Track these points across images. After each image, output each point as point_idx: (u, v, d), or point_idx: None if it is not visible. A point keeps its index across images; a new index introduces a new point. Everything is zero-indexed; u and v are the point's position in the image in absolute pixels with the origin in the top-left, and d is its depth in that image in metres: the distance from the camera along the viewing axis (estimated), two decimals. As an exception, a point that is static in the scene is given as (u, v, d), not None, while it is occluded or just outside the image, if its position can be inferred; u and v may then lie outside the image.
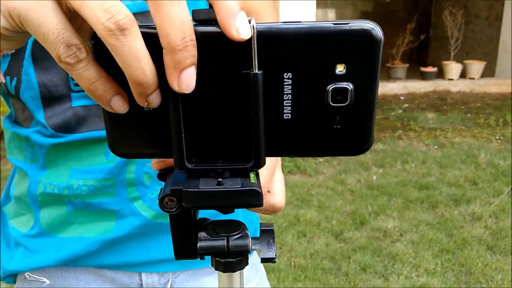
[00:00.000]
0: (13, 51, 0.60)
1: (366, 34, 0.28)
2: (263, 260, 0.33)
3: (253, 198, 0.31)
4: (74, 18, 0.27)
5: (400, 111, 5.62)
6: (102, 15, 0.24)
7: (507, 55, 6.97)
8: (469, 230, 2.72)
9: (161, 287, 0.69)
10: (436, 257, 2.48)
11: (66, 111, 0.60)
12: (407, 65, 6.98)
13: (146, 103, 0.28)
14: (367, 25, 0.28)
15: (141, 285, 0.69)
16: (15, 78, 0.60)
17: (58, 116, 0.61)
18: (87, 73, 0.26)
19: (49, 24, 0.25)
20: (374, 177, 3.56)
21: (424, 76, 6.98)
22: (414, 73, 7.02)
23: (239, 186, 0.31)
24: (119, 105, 0.28)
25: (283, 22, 0.28)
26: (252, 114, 0.29)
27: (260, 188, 0.31)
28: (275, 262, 0.33)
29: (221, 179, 0.31)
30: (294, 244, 2.61)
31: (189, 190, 0.31)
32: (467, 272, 2.35)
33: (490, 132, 4.71)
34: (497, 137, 4.54)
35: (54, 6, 0.26)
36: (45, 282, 0.69)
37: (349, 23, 0.28)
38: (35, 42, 0.56)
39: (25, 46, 0.59)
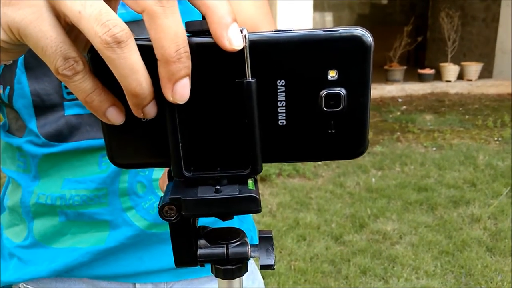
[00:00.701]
0: (11, 62, 0.61)
1: (356, 40, 0.29)
2: (262, 267, 0.34)
3: (251, 205, 0.31)
4: (71, 31, 0.28)
5: (398, 113, 5.63)
6: (99, 28, 0.25)
7: (504, 56, 7.00)
8: (469, 232, 2.72)
9: None
10: (435, 259, 2.48)
11: (58, 120, 0.60)
12: (405, 67, 7.01)
13: (142, 114, 0.28)
14: (357, 31, 0.29)
15: None
16: (8, 87, 0.60)
17: (50, 125, 0.61)
18: (83, 85, 0.27)
19: (47, 38, 0.26)
20: (373, 180, 3.56)
21: (421, 78, 7.00)
22: (412, 75, 7.05)
23: (237, 193, 0.31)
24: (114, 116, 0.29)
25: (275, 31, 0.29)
26: (247, 121, 0.30)
27: (258, 194, 0.32)
28: (274, 269, 0.34)
29: (219, 187, 0.32)
30: (293, 247, 2.61)
31: (187, 198, 0.31)
32: (467, 273, 2.35)
33: (488, 134, 4.72)
34: (495, 138, 4.55)
35: (53, 20, 0.27)
36: None
37: (339, 30, 0.29)
38: (28, 50, 0.56)
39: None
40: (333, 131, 0.31)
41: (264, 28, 0.67)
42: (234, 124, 0.30)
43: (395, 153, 4.13)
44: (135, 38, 0.27)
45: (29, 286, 0.70)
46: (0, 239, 0.74)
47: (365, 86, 0.30)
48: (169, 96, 0.27)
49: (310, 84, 0.30)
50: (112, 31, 0.25)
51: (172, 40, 0.25)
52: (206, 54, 0.28)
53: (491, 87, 6.76)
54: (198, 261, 0.35)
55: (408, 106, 6.05)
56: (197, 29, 0.28)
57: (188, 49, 0.26)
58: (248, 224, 0.77)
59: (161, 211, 0.32)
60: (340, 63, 0.29)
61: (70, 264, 0.66)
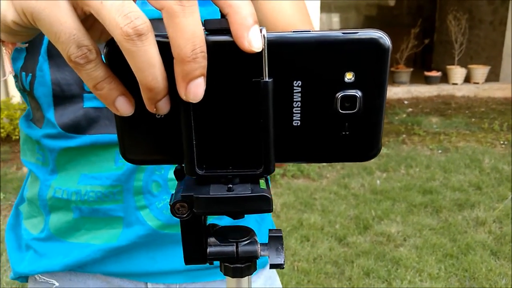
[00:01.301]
0: (26, 45, 0.61)
1: (374, 43, 0.29)
2: (272, 266, 0.34)
3: (263, 204, 0.32)
4: (86, 20, 0.28)
5: (404, 115, 5.61)
6: (121, 19, 0.25)
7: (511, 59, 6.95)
8: (473, 235, 2.71)
9: None
10: (439, 262, 2.47)
11: (77, 111, 0.60)
12: (411, 69, 6.98)
13: (155, 109, 0.28)
14: (376, 33, 0.29)
15: None
16: (30, 74, 0.60)
17: (68, 116, 0.61)
18: (95, 73, 0.27)
19: (61, 24, 0.26)
20: (378, 182, 3.55)
21: (428, 81, 6.97)
22: (418, 78, 7.02)
23: (249, 192, 0.32)
24: (123, 106, 0.28)
25: (293, 31, 0.29)
26: (262, 121, 0.30)
27: (270, 193, 0.32)
28: (283, 268, 0.34)
29: (231, 185, 0.32)
30: (297, 248, 2.61)
31: (200, 196, 0.32)
32: (471, 277, 2.34)
33: (494, 137, 4.70)
34: (501, 142, 4.53)
35: (68, 7, 0.27)
36: (54, 284, 0.70)
37: (358, 32, 0.29)
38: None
39: (41, 42, 0.59)
40: (347, 133, 0.31)
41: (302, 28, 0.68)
42: (249, 123, 0.31)
43: (400, 155, 4.12)
44: (154, 34, 0.27)
45: (44, 277, 0.71)
46: (19, 228, 0.75)
47: (381, 89, 0.30)
48: (182, 95, 0.27)
49: (326, 85, 0.30)
50: (134, 23, 0.25)
51: (189, 39, 0.26)
52: (223, 52, 0.28)
53: (498, 91, 6.72)
54: (207, 259, 0.35)
55: (414, 108, 6.03)
56: (216, 27, 0.28)
57: (205, 49, 0.26)
58: (267, 223, 0.76)
59: (173, 208, 0.32)
60: (357, 65, 0.29)
61: (83, 259, 0.66)
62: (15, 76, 0.64)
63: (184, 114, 0.29)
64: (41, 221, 0.70)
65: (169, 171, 0.63)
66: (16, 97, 4.98)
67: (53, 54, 0.59)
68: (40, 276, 0.71)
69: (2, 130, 4.61)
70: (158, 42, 0.27)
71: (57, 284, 0.70)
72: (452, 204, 3.14)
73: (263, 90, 0.29)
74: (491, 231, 2.76)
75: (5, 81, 4.94)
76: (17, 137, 4.63)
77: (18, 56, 0.62)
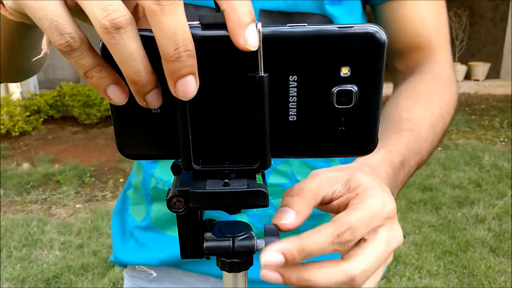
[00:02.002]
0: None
1: (370, 37, 0.29)
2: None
3: (259, 199, 0.32)
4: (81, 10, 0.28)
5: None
6: (99, 12, 0.25)
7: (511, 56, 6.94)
8: (472, 232, 2.71)
9: None
10: (438, 259, 2.48)
11: None
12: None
13: (144, 103, 0.28)
14: (371, 28, 0.29)
15: None
16: None
17: None
18: (82, 61, 0.27)
19: (43, 10, 0.26)
20: (378, 178, 3.55)
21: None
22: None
23: (245, 187, 0.32)
24: (115, 95, 0.28)
25: (289, 26, 0.29)
26: (258, 116, 0.30)
27: (266, 189, 0.32)
28: None
29: (227, 180, 0.32)
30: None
31: (196, 191, 0.32)
32: (470, 274, 2.35)
33: (495, 134, 4.70)
34: (502, 139, 4.53)
35: None
36: (152, 274, 0.71)
37: (353, 27, 0.29)
38: None
39: None
40: (343, 128, 0.31)
41: (435, 32, 0.64)
42: (244, 118, 0.31)
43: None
44: (145, 29, 0.27)
45: (143, 267, 0.72)
46: (126, 213, 0.75)
47: (377, 83, 0.30)
48: (173, 92, 0.27)
49: (322, 80, 0.30)
50: (112, 16, 0.25)
51: (171, 39, 0.25)
52: (218, 47, 0.28)
53: (498, 88, 6.71)
54: (204, 253, 0.35)
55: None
56: (210, 21, 0.28)
57: (190, 47, 0.26)
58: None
59: (169, 203, 0.32)
60: (353, 60, 0.29)
61: (175, 255, 0.66)
62: None
63: (179, 109, 0.29)
64: (143, 209, 0.70)
65: (269, 176, 0.61)
66: (16, 93, 4.98)
67: None
68: (142, 266, 0.72)
69: (2, 127, 4.61)
70: (150, 38, 0.26)
71: (155, 274, 0.71)
72: (452, 201, 3.14)
73: (259, 85, 0.29)
74: (490, 228, 2.76)
75: (5, 78, 4.93)
76: (17, 133, 4.64)
77: None
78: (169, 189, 0.34)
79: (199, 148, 0.31)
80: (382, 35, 0.29)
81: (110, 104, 0.30)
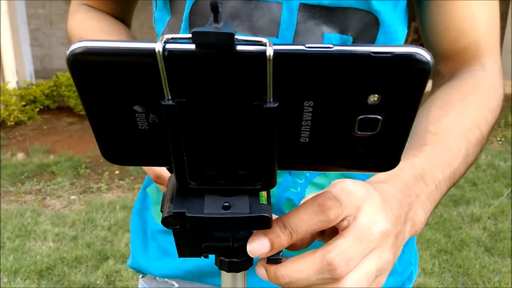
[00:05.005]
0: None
1: (413, 63, 0.24)
2: (269, 261, 0.33)
3: (261, 224, 0.29)
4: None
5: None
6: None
7: (510, 56, 6.95)
8: (468, 231, 2.72)
9: None
10: (433, 257, 2.48)
11: None
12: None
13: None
14: (414, 49, 0.23)
15: None
16: None
17: None
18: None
19: None
20: (374, 176, 3.55)
21: (426, 76, 6.95)
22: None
23: (247, 212, 0.29)
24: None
25: (308, 47, 0.24)
26: (265, 144, 0.26)
27: (270, 211, 0.29)
28: (280, 262, 0.33)
29: (227, 202, 0.29)
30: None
31: (193, 216, 0.29)
32: (464, 273, 2.35)
33: (492, 133, 4.69)
34: (498, 138, 4.53)
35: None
36: (174, 285, 0.66)
37: (393, 52, 0.23)
38: (194, 6, 0.53)
39: (183, 9, 0.55)
40: (363, 150, 0.27)
41: (484, 33, 0.59)
42: (249, 140, 0.27)
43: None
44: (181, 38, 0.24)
45: (166, 279, 0.67)
46: (147, 212, 0.69)
47: (411, 113, 0.25)
48: None
49: (344, 107, 0.25)
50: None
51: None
52: (217, 66, 0.24)
53: (496, 87, 6.72)
54: (202, 252, 0.34)
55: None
56: (208, 42, 0.23)
57: None
58: (409, 256, 0.66)
59: (165, 222, 0.30)
60: (386, 87, 0.24)
61: (203, 267, 0.61)
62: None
63: (171, 137, 0.25)
64: None
65: (306, 189, 0.56)
66: (11, 82, 4.94)
67: (195, 25, 0.54)
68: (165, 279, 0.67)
69: (-3, 116, 4.57)
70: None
71: (176, 285, 0.66)
72: (448, 200, 3.14)
73: (267, 116, 0.25)
74: (486, 228, 2.77)
75: (1, 67, 4.89)
76: (12, 123, 4.60)
77: (162, 17, 0.58)
78: (163, 200, 0.31)
79: (195, 168, 0.28)
80: (427, 58, 0.24)
81: (86, 112, 0.26)
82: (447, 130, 0.50)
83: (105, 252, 2.49)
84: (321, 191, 0.34)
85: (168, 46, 0.23)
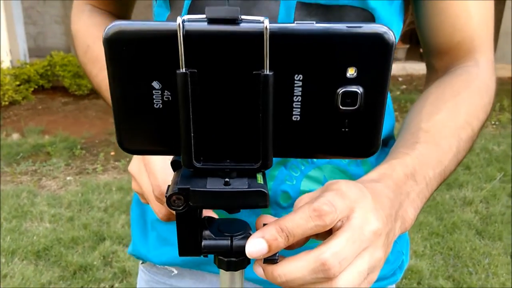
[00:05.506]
0: None
1: (378, 38, 0.28)
2: (266, 261, 0.34)
3: (259, 199, 0.31)
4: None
5: (398, 92, 5.61)
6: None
7: (509, 39, 6.93)
8: (460, 215, 2.76)
9: None
10: (425, 240, 2.52)
11: None
12: (407, 46, 6.93)
13: None
14: (380, 28, 0.28)
15: None
16: None
17: None
18: None
19: None
20: (369, 159, 3.58)
21: (423, 58, 6.94)
22: (414, 54, 6.98)
23: (246, 187, 0.31)
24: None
25: (297, 23, 0.28)
26: (262, 115, 0.29)
27: (266, 189, 0.32)
28: (277, 262, 0.34)
29: (228, 179, 0.32)
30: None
31: (196, 189, 0.31)
32: (455, 255, 2.40)
33: (486, 117, 4.72)
34: (493, 122, 4.56)
35: None
36: (173, 272, 0.68)
37: (362, 26, 0.28)
38: (191, 5, 0.54)
39: (182, 6, 0.55)
40: (346, 129, 0.30)
41: (479, 29, 0.59)
42: (248, 117, 0.30)
43: (395, 127, 4.13)
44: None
45: (166, 266, 0.68)
46: (145, 205, 0.70)
47: (383, 86, 0.29)
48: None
49: (328, 80, 0.29)
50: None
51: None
52: (223, 43, 0.28)
53: (492, 70, 6.71)
54: (202, 251, 0.35)
55: (408, 85, 6.02)
56: (217, 16, 0.27)
57: None
58: (400, 246, 0.68)
59: (169, 200, 0.32)
60: (360, 60, 0.28)
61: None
62: None
63: (182, 106, 0.29)
64: None
65: (301, 182, 0.58)
66: (5, 61, 4.88)
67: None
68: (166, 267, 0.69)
69: (-9, 96, 4.54)
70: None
71: (175, 272, 0.68)
72: (441, 183, 3.18)
73: (264, 83, 0.28)
74: (477, 211, 2.81)
75: (-6, 45, 4.83)
76: (6, 103, 4.57)
77: (162, 12, 0.59)
78: (169, 185, 0.33)
79: (201, 146, 0.31)
80: (390, 36, 0.28)
81: (112, 98, 0.30)
82: (439, 128, 0.51)
83: (102, 233, 2.52)
84: (316, 193, 0.35)
85: (186, 23, 0.27)
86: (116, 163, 3.48)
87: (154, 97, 0.29)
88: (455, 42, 0.59)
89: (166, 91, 0.29)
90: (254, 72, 0.28)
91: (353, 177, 0.59)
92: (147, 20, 0.28)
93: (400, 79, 6.40)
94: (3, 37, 4.80)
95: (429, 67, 0.65)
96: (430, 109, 0.54)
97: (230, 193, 0.31)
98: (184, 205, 0.32)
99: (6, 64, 4.84)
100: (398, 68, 6.68)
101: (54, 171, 3.34)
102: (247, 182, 0.32)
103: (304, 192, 0.59)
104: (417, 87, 5.92)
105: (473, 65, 0.59)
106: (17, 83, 4.73)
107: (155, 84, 0.29)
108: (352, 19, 0.52)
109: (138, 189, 0.52)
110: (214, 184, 0.32)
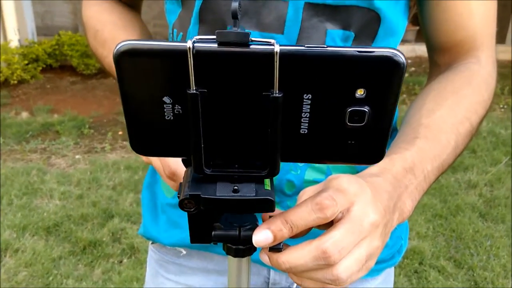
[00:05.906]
0: None
1: (389, 61, 0.29)
2: (271, 249, 0.37)
3: (266, 206, 0.34)
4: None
5: (407, 75, 5.55)
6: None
7: (519, 20, 6.79)
8: (464, 197, 2.78)
9: (287, 286, 0.69)
10: (428, 221, 2.55)
11: None
12: (417, 27, 6.83)
13: None
14: (391, 52, 0.29)
15: (268, 279, 0.69)
16: (181, 33, 0.60)
17: None
18: None
19: None
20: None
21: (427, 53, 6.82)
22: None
23: (253, 195, 0.33)
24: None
25: (307, 46, 0.29)
26: (270, 130, 0.31)
27: (273, 195, 0.34)
28: (281, 250, 0.37)
29: (237, 187, 0.34)
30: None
31: (207, 197, 0.33)
32: (458, 237, 2.43)
33: (494, 100, 4.65)
34: (501, 106, 4.53)
35: None
36: (181, 252, 0.72)
37: (374, 52, 0.29)
38: (204, 2, 0.55)
39: (193, 4, 0.57)
40: (353, 142, 0.32)
41: (481, 26, 0.60)
42: (256, 131, 0.31)
43: (399, 116, 4.11)
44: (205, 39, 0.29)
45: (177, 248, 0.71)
46: (157, 185, 0.73)
47: (392, 106, 0.30)
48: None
49: (336, 100, 0.30)
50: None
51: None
52: (233, 64, 0.29)
53: (503, 53, 6.60)
54: (212, 240, 0.38)
55: (417, 68, 5.97)
56: (227, 40, 0.28)
57: None
58: (399, 231, 0.72)
59: (181, 204, 0.34)
60: (370, 82, 0.29)
61: None
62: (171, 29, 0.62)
63: (193, 123, 0.30)
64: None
65: (305, 172, 0.61)
66: (14, 41, 4.89)
67: (204, 20, 0.57)
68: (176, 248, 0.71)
69: (0, 75, 4.56)
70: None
71: (184, 252, 0.71)
72: (446, 166, 3.19)
73: (273, 104, 0.30)
74: (481, 194, 2.83)
75: (3, 25, 4.83)
76: (15, 81, 4.60)
77: (173, 9, 0.61)
78: (181, 185, 0.35)
79: (210, 153, 0.33)
80: (401, 58, 0.29)
81: (123, 104, 0.31)
82: (439, 123, 0.53)
83: (110, 210, 2.57)
84: (318, 187, 0.38)
85: (196, 44, 0.28)
86: (124, 142, 3.52)
87: (165, 110, 0.31)
88: (458, 39, 0.61)
89: (177, 105, 0.31)
90: (263, 93, 0.30)
91: (356, 168, 0.61)
92: (157, 40, 0.29)
93: (409, 61, 6.33)
94: (12, 16, 4.80)
95: (432, 62, 0.67)
96: (431, 105, 0.56)
97: (238, 200, 0.33)
98: (195, 208, 0.35)
99: (14, 44, 4.85)
100: (408, 50, 6.60)
101: (63, 149, 3.38)
102: (255, 188, 0.34)
103: (308, 181, 0.61)
104: (426, 70, 5.86)
105: (475, 62, 0.61)
106: (26, 62, 4.75)
107: (166, 99, 0.30)
108: (359, 19, 0.53)
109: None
110: (223, 191, 0.34)
